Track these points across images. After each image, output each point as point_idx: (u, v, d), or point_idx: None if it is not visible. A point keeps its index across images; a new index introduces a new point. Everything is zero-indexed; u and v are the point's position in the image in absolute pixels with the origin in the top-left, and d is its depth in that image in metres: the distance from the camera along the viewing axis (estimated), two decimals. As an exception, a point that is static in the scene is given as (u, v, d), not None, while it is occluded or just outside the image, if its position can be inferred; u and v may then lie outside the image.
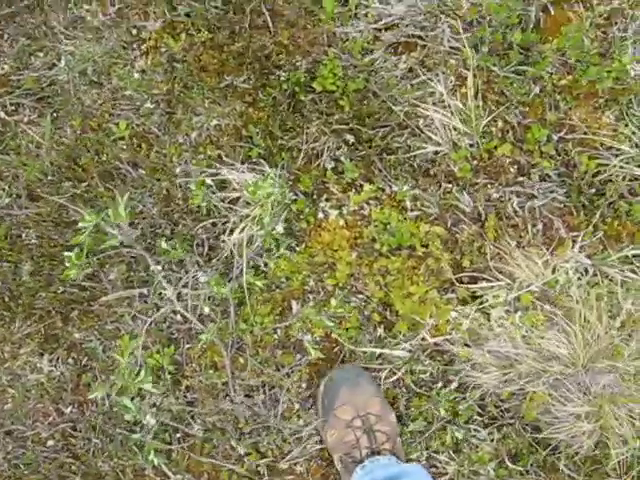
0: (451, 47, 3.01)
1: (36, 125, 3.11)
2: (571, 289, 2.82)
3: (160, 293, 2.92)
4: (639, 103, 3.02)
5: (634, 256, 2.91)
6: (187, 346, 2.95)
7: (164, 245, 2.82)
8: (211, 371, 2.91)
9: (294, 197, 2.95)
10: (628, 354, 2.76)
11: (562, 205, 2.98)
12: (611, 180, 2.97)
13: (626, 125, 3.00)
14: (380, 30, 3.05)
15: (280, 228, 2.81)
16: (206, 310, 2.82)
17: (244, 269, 2.84)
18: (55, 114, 3.12)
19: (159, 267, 2.85)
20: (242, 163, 2.94)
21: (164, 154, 2.98)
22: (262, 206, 2.82)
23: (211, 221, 2.93)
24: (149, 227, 2.97)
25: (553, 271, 2.88)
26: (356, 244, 2.96)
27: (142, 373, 2.66)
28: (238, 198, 2.90)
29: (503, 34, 2.98)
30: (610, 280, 2.87)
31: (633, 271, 2.88)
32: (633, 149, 2.95)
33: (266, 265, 2.93)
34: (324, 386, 2.82)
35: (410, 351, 2.88)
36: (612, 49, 3.03)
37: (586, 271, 2.89)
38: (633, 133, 2.97)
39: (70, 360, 3.01)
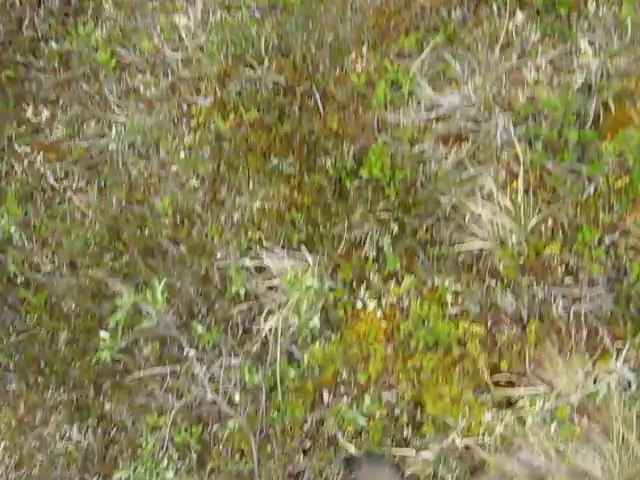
0: (504, 142, 2.94)
1: (83, 193, 3.14)
2: (611, 404, 2.71)
3: (192, 373, 2.89)
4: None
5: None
6: (215, 427, 2.91)
7: (199, 329, 2.81)
8: (237, 456, 2.88)
9: (333, 285, 2.89)
10: (669, 478, 2.64)
11: (609, 312, 2.86)
12: (663, 291, 2.83)
13: (682, 235, 2.87)
14: (431, 120, 2.97)
15: (316, 321, 2.77)
16: (237, 398, 2.78)
17: (278, 357, 2.80)
18: (102, 183, 3.13)
19: (192, 351, 2.83)
20: (282, 248, 2.92)
21: (205, 233, 2.98)
22: (300, 296, 2.77)
23: (247, 305, 2.89)
24: (185, 305, 2.96)
25: (594, 382, 2.76)
26: (392, 337, 2.89)
27: (165, 461, 2.64)
28: (276, 284, 2.86)
29: (559, 131, 2.88)
30: (655, 397, 2.75)
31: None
32: (688, 261, 2.82)
33: (300, 354, 2.87)
34: None
35: (438, 453, 2.80)
36: (673, 152, 2.90)
37: (629, 385, 2.77)
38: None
39: (99, 431, 3.01)
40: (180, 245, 2.95)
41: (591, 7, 3.14)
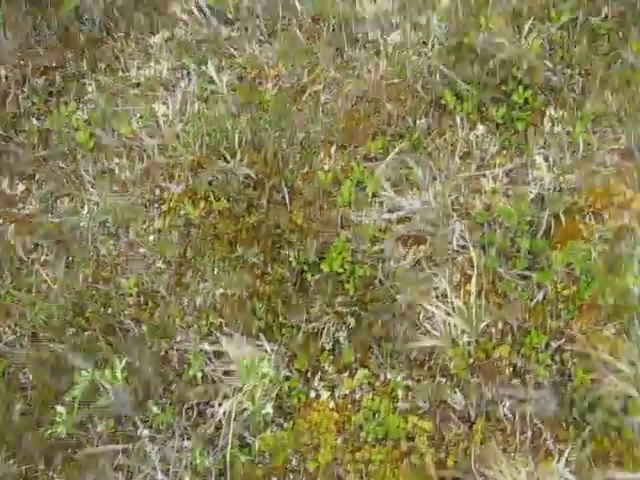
0: (459, 246, 3.08)
1: (51, 267, 3.20)
2: (552, 505, 2.78)
3: (144, 453, 2.92)
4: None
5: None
6: (165, 508, 2.92)
7: (154, 410, 2.85)
8: (184, 538, 2.89)
9: (288, 374, 2.97)
10: None
11: (553, 415, 2.96)
12: (604, 396, 2.94)
13: (624, 342, 3.00)
14: (392, 221, 3.11)
15: (269, 408, 2.83)
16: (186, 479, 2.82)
17: (229, 441, 2.85)
18: (70, 259, 3.20)
19: (146, 430, 2.87)
20: (242, 334, 3.00)
21: (168, 315, 3.04)
22: (255, 383, 2.84)
23: (203, 389, 2.95)
24: (142, 385, 3.00)
25: (536, 483, 2.84)
26: (343, 428, 2.96)
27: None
28: (233, 370, 2.93)
29: (512, 239, 3.04)
30: (594, 502, 2.83)
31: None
32: (630, 368, 2.95)
33: (252, 440, 2.92)
34: None
35: None
36: (618, 265, 3.06)
37: (571, 489, 2.85)
38: (630, 351, 2.97)
39: (46, 506, 3.00)
40: (142, 325, 3.01)
41: (547, 125, 3.36)
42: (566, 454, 2.90)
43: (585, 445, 2.91)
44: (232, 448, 2.90)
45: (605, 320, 3.08)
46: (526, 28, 3.48)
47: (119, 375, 2.71)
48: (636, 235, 3.15)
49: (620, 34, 3.61)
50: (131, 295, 3.06)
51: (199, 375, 2.94)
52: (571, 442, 2.92)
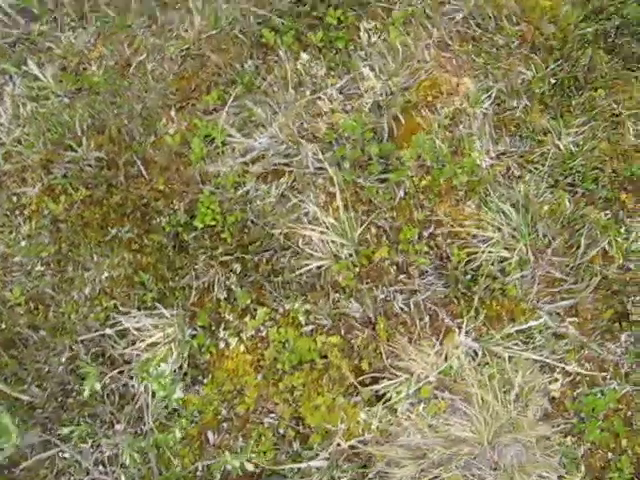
0: (316, 168, 3.22)
1: None
2: (465, 373, 3.01)
3: (79, 450, 2.97)
4: (495, 190, 3.27)
5: (517, 331, 3.11)
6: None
7: (65, 432, 2.91)
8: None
9: (194, 332, 3.06)
10: (527, 424, 2.95)
11: (443, 296, 3.17)
12: (482, 265, 3.18)
13: (486, 212, 3.24)
14: (248, 163, 3.23)
15: (179, 393, 2.95)
16: (127, 461, 2.89)
17: (149, 422, 2.93)
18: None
19: (70, 428, 2.92)
20: (139, 309, 3.05)
21: (62, 313, 3.06)
22: (165, 349, 2.93)
23: (117, 370, 3.01)
24: (58, 386, 3.02)
25: (446, 359, 3.06)
26: (260, 366, 3.08)
27: None
28: (142, 345, 3.00)
29: (362, 149, 3.21)
30: (499, 358, 3.07)
31: (518, 345, 3.09)
32: (496, 233, 3.19)
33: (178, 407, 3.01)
34: None
35: (327, 459, 3.00)
36: (462, 146, 3.28)
37: (476, 354, 3.09)
38: (493, 219, 3.21)
39: None
40: (39, 330, 3.03)
41: (364, 37, 3.52)
42: (464, 326, 3.11)
43: (478, 313, 3.14)
44: (157, 420, 2.97)
45: (464, 198, 3.29)
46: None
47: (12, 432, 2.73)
48: (469, 114, 3.37)
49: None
50: (20, 305, 3.07)
51: (107, 356, 2.98)
52: (465, 314, 3.14)
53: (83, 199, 3.12)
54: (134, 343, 3.07)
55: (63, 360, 3.06)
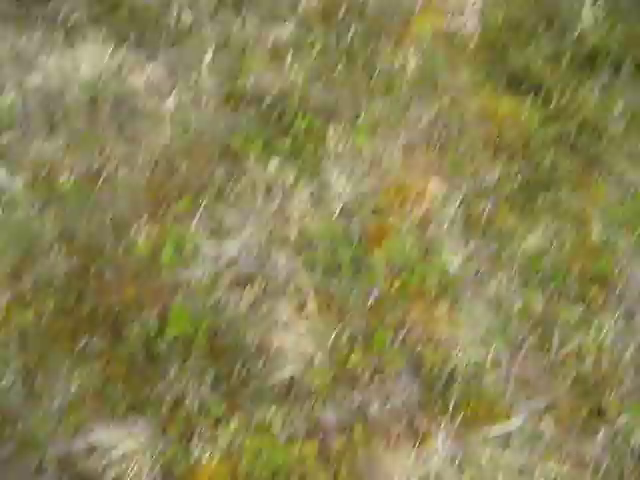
0: (288, 273, 3.22)
1: None
2: (444, 477, 2.97)
3: None
4: (466, 290, 3.30)
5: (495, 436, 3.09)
6: None
7: None
8: None
9: (167, 443, 2.99)
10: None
11: (419, 399, 3.15)
12: (457, 367, 3.18)
13: (459, 313, 3.26)
14: (219, 269, 3.23)
15: (156, 483, 2.85)
16: None
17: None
18: None
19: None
20: (110, 420, 2.98)
21: (31, 427, 2.98)
22: (138, 461, 2.85)
23: (87, 486, 2.91)
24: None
25: (424, 463, 3.02)
26: (235, 476, 3.01)
27: None
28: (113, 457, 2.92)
29: (332, 254, 3.23)
30: (478, 462, 3.04)
31: (495, 448, 3.07)
32: (469, 334, 3.20)
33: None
34: None
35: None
36: (431, 248, 3.32)
37: (454, 458, 3.05)
38: (466, 320, 3.23)
39: None
40: (7, 445, 2.94)
41: (332, 143, 3.60)
42: (441, 429, 3.08)
43: (454, 416, 3.12)
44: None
45: (435, 299, 3.32)
46: (289, 60, 3.72)
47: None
48: (438, 217, 3.43)
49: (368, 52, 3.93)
50: (-13, 418, 2.98)
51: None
52: (442, 417, 3.11)
53: (53, 309, 3.07)
54: (105, 456, 2.96)
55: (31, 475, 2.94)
